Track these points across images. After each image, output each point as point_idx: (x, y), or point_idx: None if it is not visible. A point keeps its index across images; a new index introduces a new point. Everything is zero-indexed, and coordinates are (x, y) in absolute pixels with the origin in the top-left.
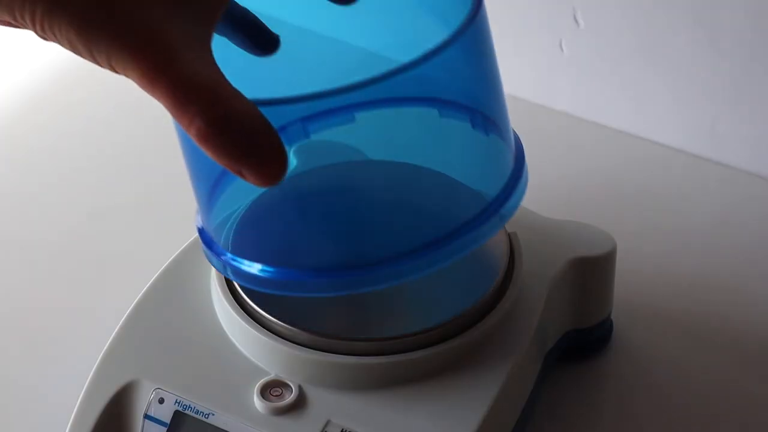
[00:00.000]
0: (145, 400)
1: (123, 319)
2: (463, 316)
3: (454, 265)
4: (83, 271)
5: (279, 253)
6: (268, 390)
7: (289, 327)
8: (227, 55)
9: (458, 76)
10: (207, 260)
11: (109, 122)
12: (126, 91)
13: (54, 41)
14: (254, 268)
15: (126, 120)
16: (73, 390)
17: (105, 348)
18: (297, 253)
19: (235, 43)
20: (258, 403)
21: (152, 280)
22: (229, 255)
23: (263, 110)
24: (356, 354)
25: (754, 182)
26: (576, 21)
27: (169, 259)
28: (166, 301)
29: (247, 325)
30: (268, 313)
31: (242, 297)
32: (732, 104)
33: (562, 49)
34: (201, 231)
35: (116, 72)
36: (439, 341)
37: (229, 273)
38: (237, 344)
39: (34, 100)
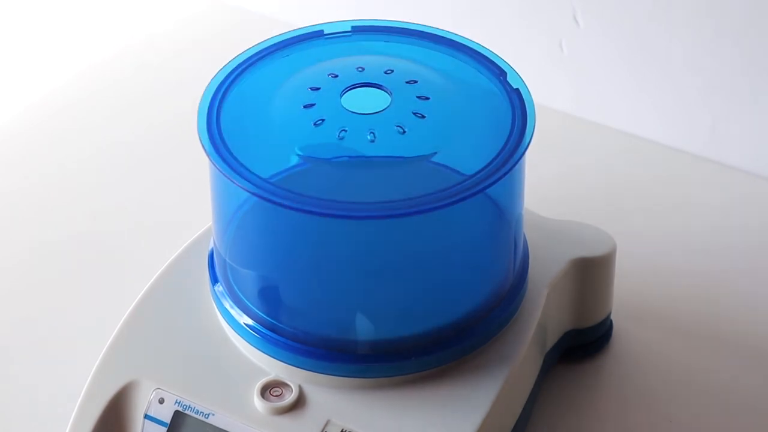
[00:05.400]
0: (145, 400)
1: (123, 319)
2: (463, 317)
3: (456, 266)
4: (83, 271)
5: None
6: (268, 390)
7: (289, 327)
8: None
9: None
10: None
11: (111, 123)
12: (127, 92)
13: None
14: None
15: (127, 121)
16: (73, 390)
17: (105, 348)
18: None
19: None
20: (258, 403)
21: (152, 280)
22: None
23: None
24: (356, 354)
25: (754, 182)
26: (576, 21)
27: (170, 259)
28: (166, 301)
29: (247, 325)
30: (268, 314)
31: (242, 297)
32: (732, 104)
33: (562, 49)
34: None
35: None
36: (440, 342)
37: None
38: (237, 344)
39: (35, 101)
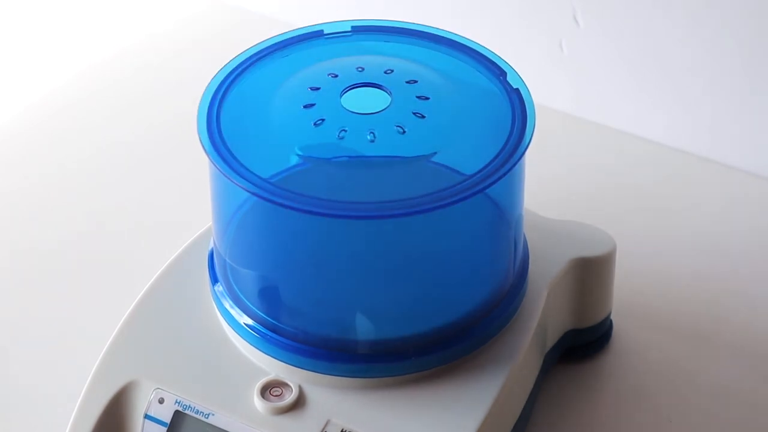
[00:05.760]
0: (145, 400)
1: (123, 319)
2: (463, 317)
3: (456, 266)
4: (83, 271)
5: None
6: (268, 390)
7: (289, 327)
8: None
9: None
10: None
11: (111, 123)
12: (127, 92)
13: None
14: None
15: (127, 121)
16: (73, 390)
17: (105, 348)
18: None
19: None
20: (258, 403)
21: (152, 280)
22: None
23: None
24: (356, 354)
25: (754, 182)
26: (576, 21)
27: (169, 259)
28: (166, 301)
29: (247, 325)
30: (268, 313)
31: (242, 297)
32: (732, 104)
33: (562, 49)
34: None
35: None
36: (440, 342)
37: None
38: (237, 344)
39: (35, 101)
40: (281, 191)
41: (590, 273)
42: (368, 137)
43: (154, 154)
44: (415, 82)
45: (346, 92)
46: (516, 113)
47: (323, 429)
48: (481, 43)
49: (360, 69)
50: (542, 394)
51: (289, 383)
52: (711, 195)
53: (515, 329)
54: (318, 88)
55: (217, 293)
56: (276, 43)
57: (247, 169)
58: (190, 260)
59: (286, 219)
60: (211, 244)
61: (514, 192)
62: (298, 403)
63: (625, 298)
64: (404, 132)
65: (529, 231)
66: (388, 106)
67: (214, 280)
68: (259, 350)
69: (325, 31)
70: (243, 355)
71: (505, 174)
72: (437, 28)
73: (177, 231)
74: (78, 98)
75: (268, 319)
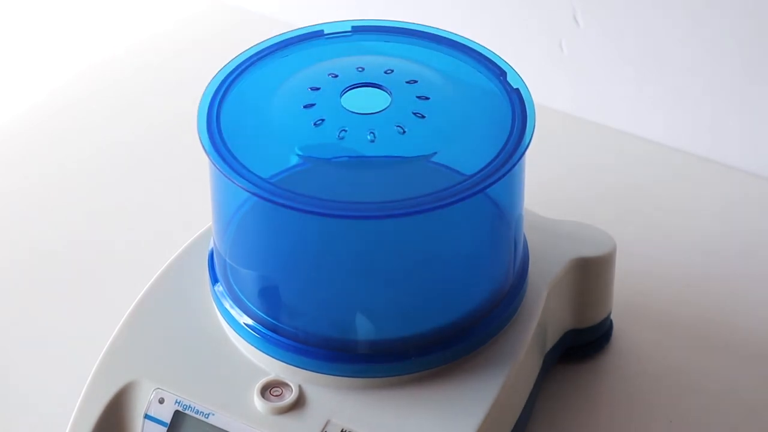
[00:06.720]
0: (145, 400)
1: (123, 319)
2: (463, 317)
3: (456, 266)
4: (83, 271)
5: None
6: (268, 390)
7: (289, 327)
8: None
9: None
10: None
11: (111, 123)
12: (127, 92)
13: None
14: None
15: (127, 121)
16: (73, 390)
17: (105, 348)
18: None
19: None
20: (258, 403)
21: (152, 280)
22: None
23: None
24: (356, 354)
25: (754, 182)
26: (576, 21)
27: (170, 259)
28: (166, 301)
29: (247, 325)
30: (268, 313)
31: (242, 297)
32: (732, 104)
33: (562, 49)
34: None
35: None
36: (440, 342)
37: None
38: (237, 344)
39: (35, 101)
40: (281, 191)
41: (590, 273)
42: (368, 137)
43: (154, 154)
44: (415, 82)
45: (346, 92)
46: (516, 113)
47: (323, 429)
48: (481, 43)
49: (360, 69)
50: (542, 394)
51: (289, 383)
52: (711, 195)
53: (515, 329)
54: (318, 88)
55: (217, 293)
56: (276, 43)
57: (247, 169)
58: (190, 260)
59: (286, 219)
60: (211, 244)
61: (514, 192)
62: (298, 403)
63: (625, 298)
64: (404, 132)
65: (529, 231)
66: (388, 106)
67: (214, 280)
68: (259, 350)
69: (325, 31)
70: (243, 355)
71: (505, 174)
72: (437, 28)
73: (177, 231)
74: (78, 98)
75: (268, 319)
